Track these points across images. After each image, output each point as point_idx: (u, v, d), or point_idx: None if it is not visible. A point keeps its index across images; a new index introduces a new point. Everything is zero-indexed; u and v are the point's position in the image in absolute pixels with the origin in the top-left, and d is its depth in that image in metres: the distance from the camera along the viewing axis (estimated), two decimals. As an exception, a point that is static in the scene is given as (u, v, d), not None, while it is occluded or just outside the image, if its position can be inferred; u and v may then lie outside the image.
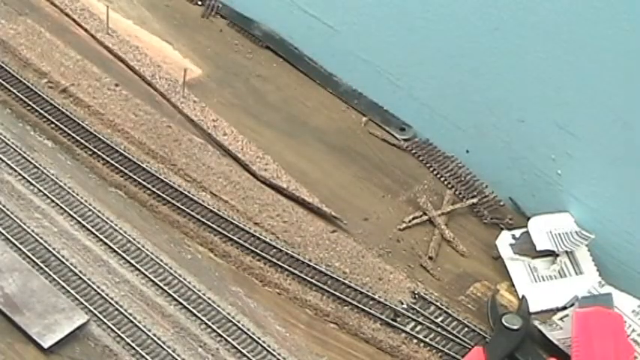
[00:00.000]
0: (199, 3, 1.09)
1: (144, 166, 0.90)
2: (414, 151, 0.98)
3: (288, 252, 0.86)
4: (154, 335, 0.78)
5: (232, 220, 0.87)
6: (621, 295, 0.85)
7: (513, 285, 0.88)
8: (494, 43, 0.90)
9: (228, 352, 0.78)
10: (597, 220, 0.90)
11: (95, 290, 0.80)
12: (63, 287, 0.79)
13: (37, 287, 0.78)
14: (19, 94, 0.95)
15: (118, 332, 0.77)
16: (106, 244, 0.84)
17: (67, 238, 0.83)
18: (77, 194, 0.87)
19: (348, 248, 0.87)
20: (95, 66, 1.00)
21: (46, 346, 0.75)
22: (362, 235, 0.90)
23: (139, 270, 0.82)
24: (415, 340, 0.82)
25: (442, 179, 0.96)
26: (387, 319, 0.83)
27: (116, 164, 0.90)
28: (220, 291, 0.83)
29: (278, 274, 0.85)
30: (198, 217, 0.87)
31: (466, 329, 0.84)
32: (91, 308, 0.78)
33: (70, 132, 0.93)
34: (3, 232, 0.82)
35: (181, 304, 0.81)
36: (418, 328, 0.83)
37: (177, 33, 1.05)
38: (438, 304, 0.85)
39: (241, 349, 0.78)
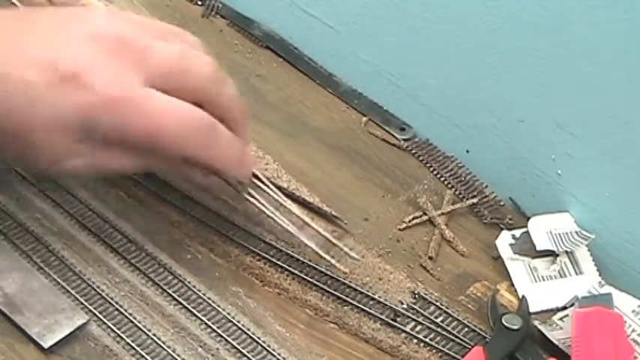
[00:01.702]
0: (199, 3, 1.09)
1: (144, 166, 0.90)
2: (414, 151, 0.98)
3: (288, 252, 0.86)
4: (154, 335, 0.78)
5: (232, 220, 0.87)
6: (621, 295, 0.85)
7: (513, 285, 0.88)
8: (494, 43, 0.91)
9: (228, 352, 0.78)
10: (597, 220, 0.90)
11: (95, 290, 0.80)
12: (63, 287, 0.79)
13: (37, 287, 0.78)
14: (19, 94, 0.95)
15: (118, 332, 0.77)
16: (106, 243, 0.84)
17: (67, 238, 0.83)
18: (77, 194, 0.86)
19: (348, 248, 0.87)
20: (95, 66, 0.99)
21: (46, 346, 0.75)
22: (362, 235, 0.90)
23: (139, 270, 0.82)
24: (415, 340, 0.82)
25: (442, 179, 0.96)
26: (387, 319, 0.83)
27: (116, 164, 0.90)
28: (220, 291, 0.83)
29: (278, 274, 0.85)
30: (198, 217, 0.87)
31: (466, 329, 0.84)
32: (91, 308, 0.78)
33: (70, 132, 0.93)
34: (3, 231, 0.82)
35: (181, 304, 0.81)
36: (418, 328, 0.83)
37: (177, 33, 1.05)
38: (438, 304, 0.85)
39: (241, 349, 0.78)
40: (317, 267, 0.85)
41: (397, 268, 0.87)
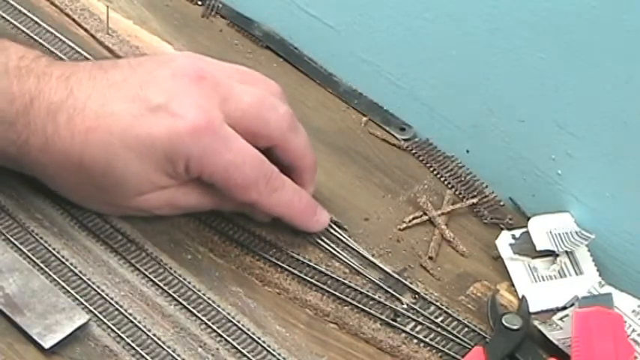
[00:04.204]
0: (199, 3, 1.09)
1: (144, 166, 0.90)
2: (414, 151, 0.98)
3: (288, 252, 0.86)
4: (154, 335, 0.78)
5: (232, 220, 0.87)
6: (621, 295, 0.85)
7: (513, 285, 0.88)
8: (495, 43, 0.90)
9: (228, 352, 0.78)
10: (597, 220, 0.90)
11: (95, 290, 0.80)
12: (63, 287, 0.79)
13: (37, 287, 0.78)
14: (19, 94, 0.95)
15: (118, 332, 0.77)
16: (106, 243, 0.84)
17: (67, 238, 0.83)
18: (77, 194, 0.86)
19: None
20: (95, 66, 0.99)
21: (46, 346, 0.75)
22: (362, 235, 0.90)
23: (139, 270, 0.82)
24: (415, 340, 0.82)
25: (442, 179, 0.96)
26: (387, 319, 0.83)
27: (116, 164, 0.90)
28: (220, 291, 0.83)
29: (278, 274, 0.85)
30: (198, 217, 0.87)
31: (466, 329, 0.84)
32: (91, 308, 0.78)
33: (70, 132, 0.92)
34: (3, 232, 0.82)
35: (181, 304, 0.81)
36: (418, 328, 0.83)
37: (177, 33, 1.05)
38: (438, 304, 0.85)
39: (241, 349, 0.78)
40: (317, 267, 0.85)
41: (397, 268, 0.87)
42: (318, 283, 0.84)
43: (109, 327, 0.78)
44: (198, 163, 0.79)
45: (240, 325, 0.80)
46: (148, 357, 0.76)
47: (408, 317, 0.84)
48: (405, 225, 0.91)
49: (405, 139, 0.99)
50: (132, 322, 0.78)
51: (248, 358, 0.78)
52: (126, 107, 0.78)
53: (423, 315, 0.84)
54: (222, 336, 0.79)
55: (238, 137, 0.80)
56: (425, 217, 0.92)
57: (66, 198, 0.84)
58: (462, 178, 0.96)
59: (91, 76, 0.80)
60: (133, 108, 0.78)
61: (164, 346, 0.77)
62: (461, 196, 0.95)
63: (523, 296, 0.85)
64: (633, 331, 0.83)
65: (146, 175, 0.79)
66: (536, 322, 0.84)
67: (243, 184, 0.81)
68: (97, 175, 0.79)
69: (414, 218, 0.92)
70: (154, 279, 0.82)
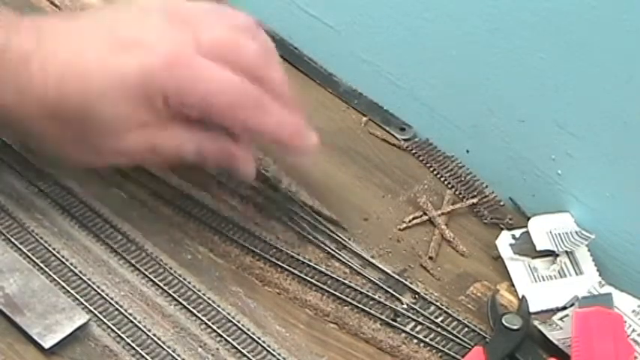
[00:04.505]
0: (199, 3, 1.09)
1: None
2: (414, 151, 0.98)
3: (288, 252, 0.86)
4: (154, 335, 0.78)
5: (232, 220, 0.87)
6: (621, 295, 0.85)
7: (513, 285, 0.88)
8: (495, 43, 0.91)
9: (228, 352, 0.78)
10: (597, 220, 0.90)
11: (95, 290, 0.80)
12: (63, 287, 0.79)
13: (37, 287, 0.78)
14: (19, 94, 0.95)
15: (118, 332, 0.77)
16: (106, 243, 0.84)
17: (67, 238, 0.83)
18: (77, 194, 0.86)
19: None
20: (95, 66, 0.99)
21: (46, 346, 0.75)
22: (362, 235, 0.90)
23: (139, 270, 0.82)
24: (415, 340, 0.82)
25: (442, 179, 0.96)
26: (387, 319, 0.83)
27: (116, 164, 0.90)
28: (220, 291, 0.83)
29: (278, 274, 0.85)
30: (198, 217, 0.87)
31: (466, 329, 0.84)
32: (91, 308, 0.78)
33: (70, 132, 0.92)
34: (3, 232, 0.82)
35: (181, 304, 0.81)
36: (418, 328, 0.83)
37: (177, 33, 1.05)
38: (438, 304, 0.85)
39: (241, 349, 0.78)
40: (317, 267, 0.85)
41: (397, 268, 0.87)
42: (318, 283, 0.84)
43: (109, 327, 0.78)
44: (176, 96, 0.78)
45: (240, 325, 0.80)
46: (148, 357, 0.76)
47: (408, 317, 0.84)
48: (405, 225, 0.91)
49: (405, 139, 0.99)
50: (132, 322, 0.78)
51: (248, 358, 0.78)
52: (97, 48, 0.78)
53: (423, 315, 0.84)
54: (222, 336, 0.79)
55: (213, 65, 0.79)
56: (425, 217, 0.92)
57: (43, 153, 0.84)
58: (462, 178, 0.96)
59: (60, 24, 0.81)
60: (104, 48, 0.78)
61: (164, 346, 0.77)
62: (461, 196, 0.95)
63: (523, 296, 0.85)
64: (633, 331, 0.83)
65: (125, 114, 0.78)
66: (536, 322, 0.84)
67: (227, 110, 0.80)
68: (74, 120, 0.78)
69: (414, 218, 0.92)
70: (154, 279, 0.82)
